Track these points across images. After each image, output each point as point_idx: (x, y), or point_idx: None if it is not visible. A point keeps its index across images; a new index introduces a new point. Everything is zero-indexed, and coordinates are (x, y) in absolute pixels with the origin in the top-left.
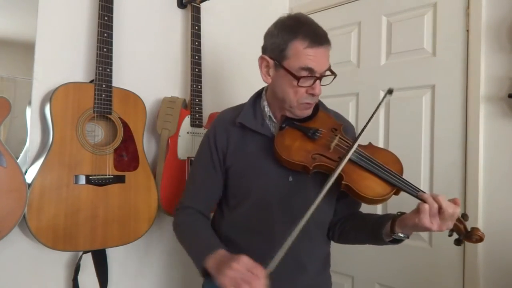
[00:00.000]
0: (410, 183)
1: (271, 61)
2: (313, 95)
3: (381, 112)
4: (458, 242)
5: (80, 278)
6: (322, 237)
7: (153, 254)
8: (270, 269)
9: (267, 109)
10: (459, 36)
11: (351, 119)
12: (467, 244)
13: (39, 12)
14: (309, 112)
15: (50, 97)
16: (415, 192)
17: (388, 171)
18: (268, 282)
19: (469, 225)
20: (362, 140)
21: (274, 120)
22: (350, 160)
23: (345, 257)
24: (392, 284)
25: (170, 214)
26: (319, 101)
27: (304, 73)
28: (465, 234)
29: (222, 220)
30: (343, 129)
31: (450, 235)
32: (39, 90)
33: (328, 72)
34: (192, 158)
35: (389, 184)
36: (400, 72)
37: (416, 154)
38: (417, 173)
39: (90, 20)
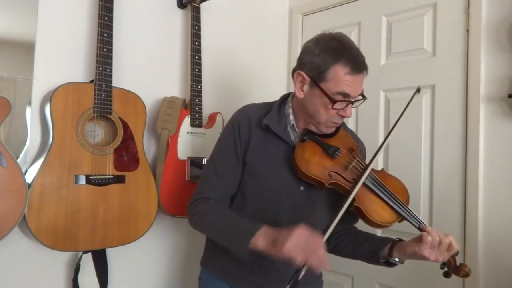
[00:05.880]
0: (414, 214)
1: (307, 78)
2: (343, 116)
3: (381, 112)
4: (446, 275)
5: (80, 278)
6: None
7: (153, 254)
8: (324, 238)
9: (291, 117)
10: (459, 36)
11: (351, 119)
12: (467, 243)
13: (39, 12)
14: (333, 130)
15: (50, 97)
16: (417, 223)
17: (397, 200)
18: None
19: (469, 225)
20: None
21: (296, 129)
22: (363, 183)
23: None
24: (392, 284)
25: (170, 214)
26: None
27: (340, 97)
28: (454, 268)
29: None
30: (359, 150)
31: (442, 268)
32: (39, 90)
33: (359, 96)
34: (192, 158)
35: (396, 212)
36: (400, 72)
37: (416, 154)
38: (417, 173)
39: (90, 20)
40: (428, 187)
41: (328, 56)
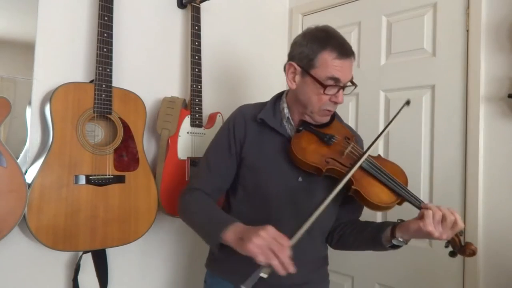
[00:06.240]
0: (414, 195)
1: (298, 68)
2: (335, 103)
3: (381, 112)
4: (452, 254)
5: (80, 278)
6: (322, 241)
7: (153, 254)
8: (292, 242)
9: (286, 110)
10: (459, 36)
11: (351, 119)
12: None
13: (39, 12)
14: (327, 118)
15: (50, 97)
16: (418, 202)
17: (395, 181)
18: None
19: (469, 225)
20: (373, 151)
21: (292, 122)
22: (361, 167)
23: (345, 257)
24: (392, 284)
25: (170, 214)
26: (335, 112)
27: (330, 82)
28: (459, 247)
29: (229, 212)
30: (354, 139)
31: (446, 246)
32: (39, 90)
33: (349, 83)
34: (192, 158)
35: (395, 193)
36: (400, 72)
37: (416, 154)
38: (417, 173)
39: (90, 20)
40: (428, 187)
41: (316, 44)
